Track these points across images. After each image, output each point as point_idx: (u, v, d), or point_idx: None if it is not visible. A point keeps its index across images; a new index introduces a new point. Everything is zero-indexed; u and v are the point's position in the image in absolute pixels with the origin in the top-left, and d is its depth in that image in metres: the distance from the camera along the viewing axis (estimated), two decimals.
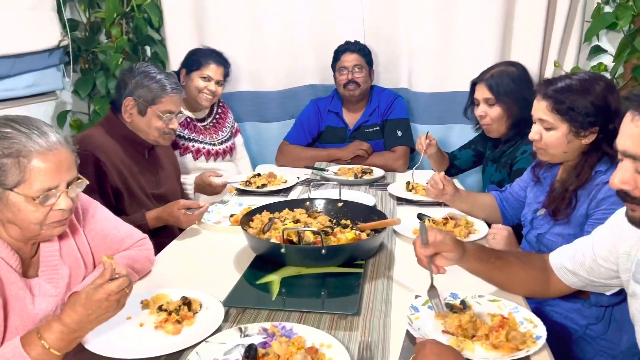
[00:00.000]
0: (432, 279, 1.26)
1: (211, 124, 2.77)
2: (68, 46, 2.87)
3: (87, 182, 1.25)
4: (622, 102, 0.98)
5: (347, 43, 2.84)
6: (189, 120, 2.65)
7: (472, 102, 2.26)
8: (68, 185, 1.19)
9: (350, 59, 2.78)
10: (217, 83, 2.64)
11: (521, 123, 2.07)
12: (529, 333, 1.14)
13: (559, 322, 1.60)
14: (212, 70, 2.61)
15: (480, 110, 2.19)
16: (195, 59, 2.62)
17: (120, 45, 2.90)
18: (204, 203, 1.91)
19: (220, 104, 2.87)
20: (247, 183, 2.40)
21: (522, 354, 1.08)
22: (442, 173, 1.88)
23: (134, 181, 1.97)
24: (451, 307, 1.26)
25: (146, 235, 1.59)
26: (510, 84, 2.12)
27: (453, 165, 2.58)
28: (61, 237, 1.31)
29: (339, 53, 2.83)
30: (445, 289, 1.33)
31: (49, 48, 2.77)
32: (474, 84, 2.23)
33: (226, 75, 2.70)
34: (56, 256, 1.28)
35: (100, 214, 1.46)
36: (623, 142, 0.98)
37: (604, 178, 1.49)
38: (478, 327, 1.17)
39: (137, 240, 1.54)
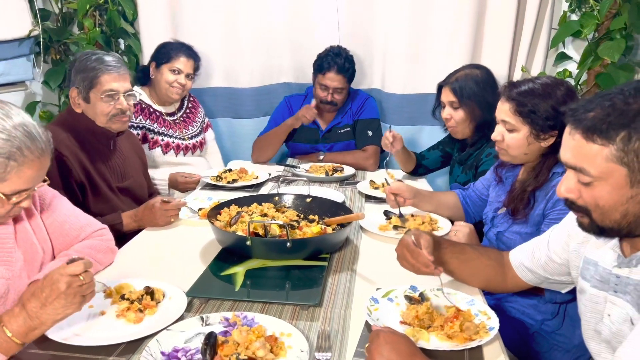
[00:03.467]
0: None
1: (181, 119, 2.76)
2: (39, 36, 2.82)
3: (48, 181, 1.27)
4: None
5: (336, 57, 2.69)
6: (158, 114, 2.64)
7: (439, 104, 2.31)
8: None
9: (334, 79, 2.69)
10: (187, 76, 2.63)
11: (485, 126, 2.12)
12: (482, 324, 1.18)
13: (516, 317, 1.65)
14: (182, 63, 2.60)
15: (445, 112, 2.24)
16: (165, 52, 2.61)
17: (92, 37, 2.85)
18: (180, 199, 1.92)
19: (191, 99, 2.86)
20: (218, 178, 2.40)
21: (474, 344, 1.12)
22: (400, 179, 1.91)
23: (98, 175, 1.92)
24: (410, 299, 1.29)
25: (106, 226, 1.57)
26: (474, 88, 2.15)
27: (421, 165, 2.62)
28: (16, 220, 1.31)
29: (323, 67, 2.69)
30: (406, 283, 1.37)
31: (19, 37, 2.72)
32: (440, 87, 2.27)
33: (196, 68, 2.69)
34: (10, 239, 1.27)
35: (58, 202, 1.46)
36: (564, 153, 1.03)
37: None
38: (434, 318, 1.20)
39: (96, 229, 1.53)
